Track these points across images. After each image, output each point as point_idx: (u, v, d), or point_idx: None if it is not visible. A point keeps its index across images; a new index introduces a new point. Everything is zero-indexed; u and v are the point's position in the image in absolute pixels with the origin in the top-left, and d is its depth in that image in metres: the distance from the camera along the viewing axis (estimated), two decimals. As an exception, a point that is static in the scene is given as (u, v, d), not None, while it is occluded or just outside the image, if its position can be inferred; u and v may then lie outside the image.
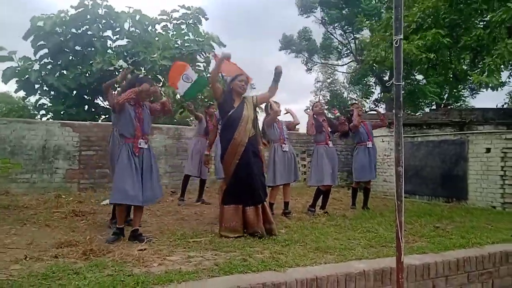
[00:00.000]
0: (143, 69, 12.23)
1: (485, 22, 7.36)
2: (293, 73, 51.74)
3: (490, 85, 7.11)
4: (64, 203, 6.67)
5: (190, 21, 13.53)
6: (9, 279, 2.98)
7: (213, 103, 7.41)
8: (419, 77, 18.11)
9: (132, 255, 3.69)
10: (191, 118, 21.91)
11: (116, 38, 12.74)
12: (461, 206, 8.91)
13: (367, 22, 11.49)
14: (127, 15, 12.27)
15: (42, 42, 11.68)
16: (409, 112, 15.48)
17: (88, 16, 11.83)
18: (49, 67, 12.17)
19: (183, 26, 13.48)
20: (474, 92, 20.53)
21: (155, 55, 11.88)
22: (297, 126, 7.68)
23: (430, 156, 10.26)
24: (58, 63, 12.10)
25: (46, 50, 11.95)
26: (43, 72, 11.87)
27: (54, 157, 8.46)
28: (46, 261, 3.47)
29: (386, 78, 20.34)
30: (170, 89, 10.42)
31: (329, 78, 28.89)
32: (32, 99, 13.20)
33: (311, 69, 25.18)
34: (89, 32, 12.06)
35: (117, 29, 12.53)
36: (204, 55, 13.48)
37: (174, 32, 13.39)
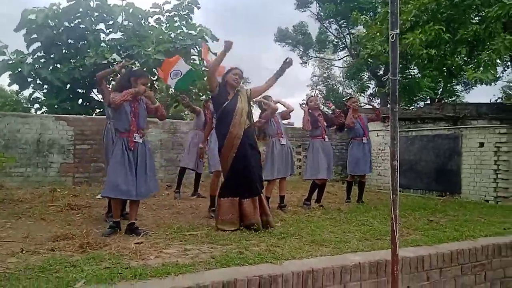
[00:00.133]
0: (137, 62, 12.17)
1: (480, 18, 7.38)
2: (292, 67, 51.58)
3: (485, 80, 7.14)
4: (59, 197, 6.66)
5: (183, 12, 13.43)
6: (6, 272, 2.98)
7: None
8: (414, 71, 18.18)
9: (129, 248, 3.70)
10: (186, 112, 21.90)
11: (109, 31, 12.66)
12: (455, 200, 9.00)
13: (362, 17, 11.48)
14: (120, 8, 12.18)
15: (34, 36, 11.59)
16: (404, 107, 15.54)
17: (81, 9, 11.73)
18: (42, 60, 12.08)
19: (176, 19, 13.40)
20: (468, 87, 20.63)
21: (149, 49, 11.83)
22: (291, 121, 7.72)
23: (424, 151, 10.33)
24: (51, 56, 12.02)
25: (38, 44, 11.86)
26: (36, 66, 11.78)
27: (48, 151, 8.42)
28: (43, 254, 3.47)
29: (381, 72, 20.38)
30: (164, 83, 10.41)
31: (325, 73, 28.89)
32: (26, 92, 13.14)
33: (306, 63, 25.18)
34: (81, 26, 11.97)
35: (110, 22, 12.45)
36: (198, 49, 13.45)
37: (168, 25, 13.32)
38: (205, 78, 5.60)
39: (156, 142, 9.43)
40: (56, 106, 11.87)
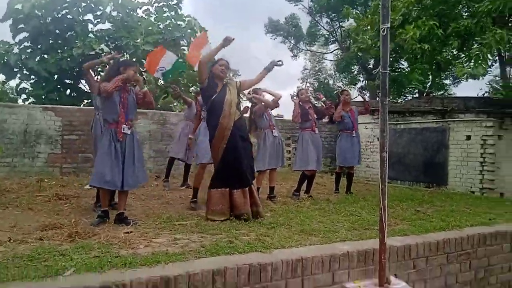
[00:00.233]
0: (126, 54, 12.05)
1: (470, 13, 7.42)
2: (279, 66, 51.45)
3: (477, 75, 7.20)
4: (47, 187, 6.60)
5: (172, 2, 13.32)
6: (-6, 260, 2.96)
7: None
8: (403, 65, 18.27)
9: (118, 237, 3.69)
10: (175, 104, 21.77)
11: (98, 22, 12.50)
12: (442, 191, 9.13)
13: (354, 11, 11.49)
14: (109, -2, 12.03)
15: (21, 26, 11.39)
16: (393, 100, 15.63)
17: (68, -1, 11.55)
18: (29, 50, 11.90)
19: (165, 9, 13.28)
20: (456, 81, 20.82)
21: (138, 40, 11.72)
22: (280, 113, 7.74)
23: (412, 143, 10.44)
24: (38, 47, 11.83)
25: (25, 34, 11.67)
26: (23, 56, 11.60)
27: (36, 141, 8.32)
28: (31, 243, 3.45)
29: (371, 66, 20.46)
30: (151, 75, 10.36)
31: (316, 66, 28.90)
32: (12, 83, 12.95)
33: (296, 56, 25.13)
34: (69, 16, 11.79)
35: (98, 12, 12.29)
36: (187, 40, 13.37)
37: (157, 15, 13.20)
38: (196, 69, 5.55)
39: (145, 133, 9.38)
40: (43, 97, 11.72)
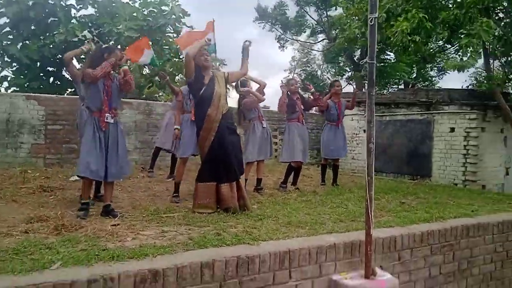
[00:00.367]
0: (109, 40, 11.87)
1: (458, 3, 7.46)
2: (266, 50, 51.46)
3: (467, 66, 7.25)
4: (31, 179, 6.48)
5: None
6: (-22, 254, 2.92)
7: None
8: (389, 56, 18.43)
9: (105, 230, 3.67)
10: (160, 94, 21.56)
11: (80, 7, 12.26)
12: (425, 183, 9.27)
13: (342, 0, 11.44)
14: (90, -18, 11.81)
15: (2, 10, 11.10)
16: (378, 91, 15.76)
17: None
18: (10, 36, 11.63)
19: None
20: (441, 73, 21.08)
21: (120, 27, 11.53)
22: (267, 104, 7.74)
23: (397, 135, 10.56)
24: (20, 33, 11.56)
25: (6, 19, 11.38)
26: (3, 42, 11.33)
27: (18, 131, 8.16)
28: (16, 237, 3.40)
29: (357, 56, 20.54)
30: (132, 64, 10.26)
31: (305, 58, 28.85)
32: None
33: (284, 46, 25.02)
34: (50, 1, 11.52)
35: (81, -3, 12.08)
36: (172, 27, 13.25)
37: (141, 1, 13.01)
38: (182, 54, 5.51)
39: (131, 123, 9.27)
40: (26, 85, 11.50)
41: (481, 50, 7.06)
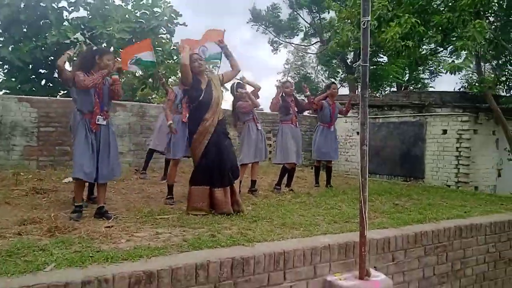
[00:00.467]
0: (101, 42, 11.84)
1: (450, 7, 7.52)
2: (260, 52, 51.55)
3: (463, 68, 7.29)
4: (24, 181, 6.44)
5: None
6: (-29, 256, 2.89)
7: None
8: (382, 58, 18.53)
9: (99, 232, 3.65)
10: (153, 96, 21.51)
11: (72, 9, 12.21)
12: (419, 184, 9.33)
13: (334, 4, 11.46)
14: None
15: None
16: (371, 94, 15.84)
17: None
18: (1, 39, 11.55)
19: None
20: (433, 75, 21.24)
21: (110, 28, 11.49)
22: (261, 106, 7.77)
23: (390, 137, 10.62)
24: (11, 35, 11.48)
25: (-4, 22, 11.32)
26: (-5, 45, 11.26)
27: (11, 133, 8.10)
28: (9, 238, 3.37)
29: (350, 59, 20.65)
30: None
31: (299, 61, 28.97)
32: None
33: (277, 49, 25.10)
34: (42, 3, 11.46)
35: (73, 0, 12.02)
36: (166, 29, 13.24)
37: (134, 2, 12.98)
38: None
39: (125, 125, 9.24)
40: (18, 87, 11.41)
41: (474, 52, 7.10)
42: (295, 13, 22.74)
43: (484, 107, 9.19)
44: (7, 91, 11.65)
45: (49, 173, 7.54)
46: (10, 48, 11.40)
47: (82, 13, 12.40)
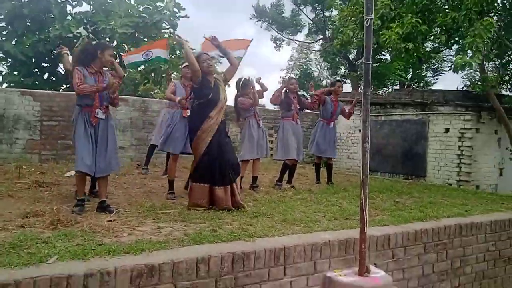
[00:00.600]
0: (104, 37, 11.87)
1: (454, 5, 7.49)
2: (263, 49, 51.51)
3: (472, 64, 7.26)
4: (26, 174, 6.47)
5: None
6: (-26, 248, 2.92)
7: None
8: (385, 56, 18.50)
9: (101, 225, 3.68)
10: (156, 91, 21.51)
11: (75, 4, 12.23)
12: (420, 183, 9.33)
13: (337, 2, 11.45)
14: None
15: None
16: (374, 91, 15.83)
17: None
18: (4, 32, 11.57)
19: None
20: (436, 73, 21.20)
21: (112, 22, 11.51)
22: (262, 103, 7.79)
23: (392, 135, 10.62)
24: (14, 29, 11.51)
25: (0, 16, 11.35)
26: (-2, 39, 11.30)
27: (13, 126, 8.12)
28: (12, 231, 3.40)
29: (352, 56, 20.62)
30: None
31: (303, 58, 28.93)
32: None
33: (280, 46, 25.04)
34: None
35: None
36: (169, 23, 13.25)
37: None
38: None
39: (126, 120, 9.26)
40: (21, 81, 11.45)
41: (482, 49, 7.07)
42: (298, 9, 22.67)
43: (486, 106, 9.18)
44: (10, 85, 11.69)
45: (52, 166, 7.58)
46: (13, 42, 11.44)
47: (85, 7, 12.45)
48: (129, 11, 12.30)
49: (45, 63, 12.32)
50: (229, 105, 6.46)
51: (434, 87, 21.20)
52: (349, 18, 9.05)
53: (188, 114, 5.35)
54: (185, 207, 4.78)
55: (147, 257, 2.95)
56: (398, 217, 4.89)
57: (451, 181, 9.23)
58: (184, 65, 6.53)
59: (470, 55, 7.06)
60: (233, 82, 6.67)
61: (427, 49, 9.88)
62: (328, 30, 21.28)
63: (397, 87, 19.98)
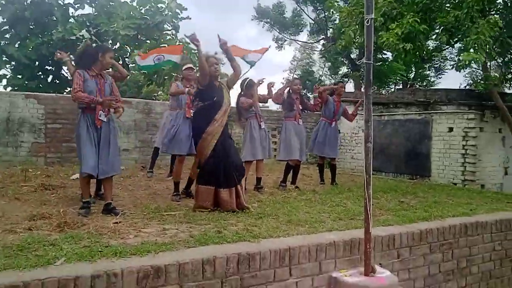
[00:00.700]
0: (106, 39, 11.93)
1: (453, 4, 7.49)
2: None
3: (479, 61, 7.22)
4: (32, 177, 6.51)
5: None
6: (-17, 250, 2.95)
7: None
8: (386, 55, 18.46)
9: (107, 227, 3.70)
10: (159, 92, 21.55)
11: (78, 6, 12.31)
12: (425, 182, 9.31)
13: (336, 4, 11.38)
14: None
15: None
16: (376, 91, 15.83)
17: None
18: (7, 36, 11.65)
19: None
20: (439, 72, 21.15)
21: (115, 25, 11.58)
22: (266, 104, 7.81)
23: (396, 135, 10.60)
24: (17, 32, 11.58)
25: (2, 19, 11.42)
26: (1, 42, 11.35)
27: (18, 129, 8.17)
28: (20, 233, 3.43)
29: (354, 56, 20.60)
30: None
31: (306, 58, 28.94)
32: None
33: (281, 46, 25.05)
34: (47, 0, 11.54)
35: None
36: (171, 24, 13.31)
37: None
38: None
39: (130, 122, 9.29)
40: (25, 84, 11.52)
41: (485, 47, 7.04)
42: (300, 9, 22.69)
43: (490, 104, 9.15)
44: (14, 88, 11.76)
45: (57, 169, 7.62)
46: (16, 45, 11.51)
47: (88, 10, 12.58)
48: (131, 13, 12.37)
49: (49, 66, 12.39)
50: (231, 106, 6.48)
51: (437, 86, 21.16)
52: (349, 18, 9.02)
53: (192, 116, 5.38)
54: (190, 208, 4.80)
55: (153, 259, 2.97)
56: (403, 217, 4.90)
57: (456, 181, 9.21)
58: (185, 67, 6.56)
59: (480, 48, 7.01)
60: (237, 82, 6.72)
61: (429, 48, 9.85)
62: (329, 30, 21.27)
63: (400, 87, 19.96)
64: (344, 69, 23.62)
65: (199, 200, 4.81)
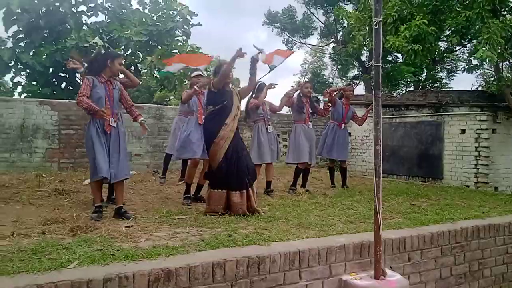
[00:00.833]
0: (119, 45, 12.10)
1: (464, 6, 7.44)
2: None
3: (493, 59, 7.14)
4: (46, 182, 6.63)
5: None
6: (-2, 254, 3.02)
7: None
8: (397, 57, 18.38)
9: (119, 231, 3.76)
10: (171, 97, 21.75)
11: (91, 14, 12.51)
12: (437, 185, 9.23)
13: (344, 12, 11.34)
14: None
15: (14, 18, 11.35)
16: (389, 93, 15.72)
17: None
18: (22, 44, 11.88)
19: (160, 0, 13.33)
20: (451, 74, 20.93)
21: (127, 32, 11.75)
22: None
23: (407, 137, 10.52)
24: (32, 40, 11.81)
25: (17, 28, 11.65)
26: (16, 50, 11.57)
27: (33, 136, 8.33)
28: (34, 237, 3.50)
29: (364, 58, 20.55)
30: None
31: (317, 61, 28.96)
32: (6, 78, 12.98)
33: (291, 49, 25.08)
34: (61, 9, 11.76)
35: (91, 4, 12.29)
36: (181, 30, 13.46)
37: (150, 6, 13.24)
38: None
39: (142, 127, 9.37)
40: (39, 91, 11.72)
41: (497, 47, 6.96)
42: (310, 12, 22.72)
43: (503, 105, 9.03)
44: (29, 95, 11.98)
45: (70, 174, 7.73)
46: (31, 53, 11.73)
47: (101, 17, 12.76)
48: (143, 20, 12.54)
49: (62, 73, 12.59)
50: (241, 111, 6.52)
51: (449, 87, 20.94)
52: (358, 23, 9.01)
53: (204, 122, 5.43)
54: (200, 212, 4.84)
55: (164, 262, 3.01)
56: (414, 220, 4.87)
57: (468, 183, 9.11)
58: (194, 74, 6.63)
59: (493, 47, 6.94)
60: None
61: (441, 49, 9.79)
62: (339, 33, 21.25)
63: (411, 89, 19.81)
64: (354, 72, 23.59)
65: (211, 204, 4.86)
